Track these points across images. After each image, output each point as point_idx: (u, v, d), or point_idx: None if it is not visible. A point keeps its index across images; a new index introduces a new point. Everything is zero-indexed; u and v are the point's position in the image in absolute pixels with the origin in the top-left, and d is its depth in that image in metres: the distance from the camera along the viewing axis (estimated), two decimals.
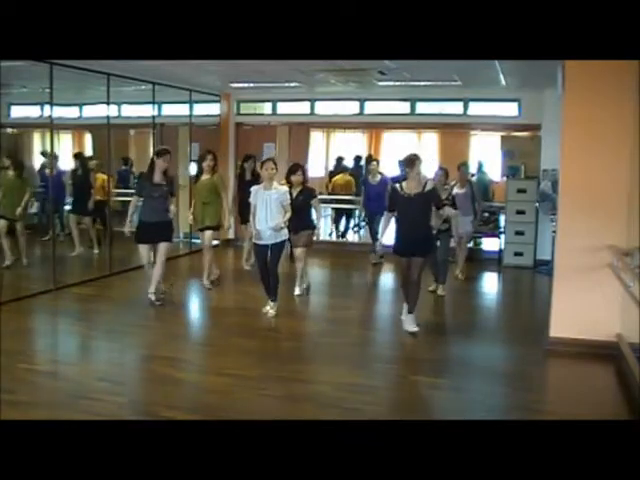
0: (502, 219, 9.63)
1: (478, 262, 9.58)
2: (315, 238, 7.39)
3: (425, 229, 5.89)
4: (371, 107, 10.60)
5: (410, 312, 5.85)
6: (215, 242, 8.31)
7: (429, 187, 5.80)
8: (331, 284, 8.90)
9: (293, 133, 11.00)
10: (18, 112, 11.07)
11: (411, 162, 5.76)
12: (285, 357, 5.32)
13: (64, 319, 6.61)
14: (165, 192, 6.65)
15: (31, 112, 10.74)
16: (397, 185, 5.90)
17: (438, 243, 6.98)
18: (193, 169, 10.40)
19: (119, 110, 10.26)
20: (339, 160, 12.28)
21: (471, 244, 9.76)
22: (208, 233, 7.49)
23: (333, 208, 11.70)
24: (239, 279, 8.56)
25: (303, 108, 10.83)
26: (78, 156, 9.74)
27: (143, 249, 6.78)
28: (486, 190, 8.18)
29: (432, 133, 14.39)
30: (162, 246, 6.69)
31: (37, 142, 11.38)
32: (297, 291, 7.30)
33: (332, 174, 12.10)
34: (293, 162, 7.96)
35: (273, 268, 6.35)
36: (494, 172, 10.93)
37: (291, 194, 6.57)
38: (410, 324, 5.81)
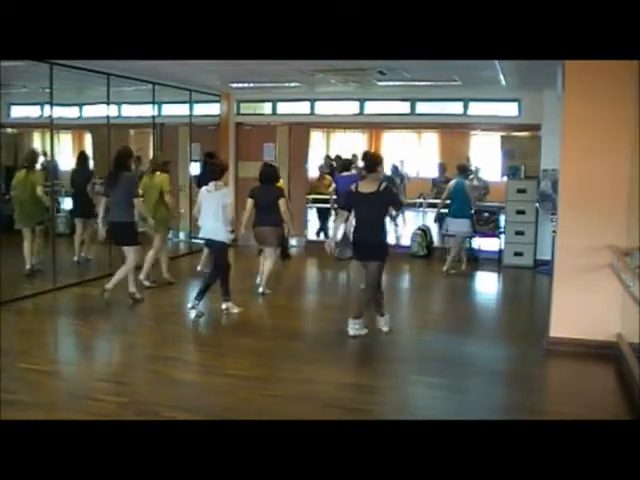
0: (502, 219, 9.62)
1: (477, 262, 9.57)
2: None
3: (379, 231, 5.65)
4: (371, 107, 10.57)
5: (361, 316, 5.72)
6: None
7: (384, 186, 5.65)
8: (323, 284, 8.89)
9: (293, 133, 10.99)
10: (18, 112, 11.08)
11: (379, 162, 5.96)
12: (285, 357, 5.31)
13: (64, 319, 6.62)
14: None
15: (31, 112, 10.75)
16: (353, 185, 5.75)
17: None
18: (194, 169, 10.43)
19: (119, 110, 10.25)
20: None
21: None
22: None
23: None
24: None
25: (303, 108, 10.82)
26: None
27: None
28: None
29: (432, 133, 14.44)
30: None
31: (37, 142, 11.38)
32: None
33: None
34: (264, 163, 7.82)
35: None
36: (495, 173, 10.94)
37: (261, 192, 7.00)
38: (383, 325, 5.88)
